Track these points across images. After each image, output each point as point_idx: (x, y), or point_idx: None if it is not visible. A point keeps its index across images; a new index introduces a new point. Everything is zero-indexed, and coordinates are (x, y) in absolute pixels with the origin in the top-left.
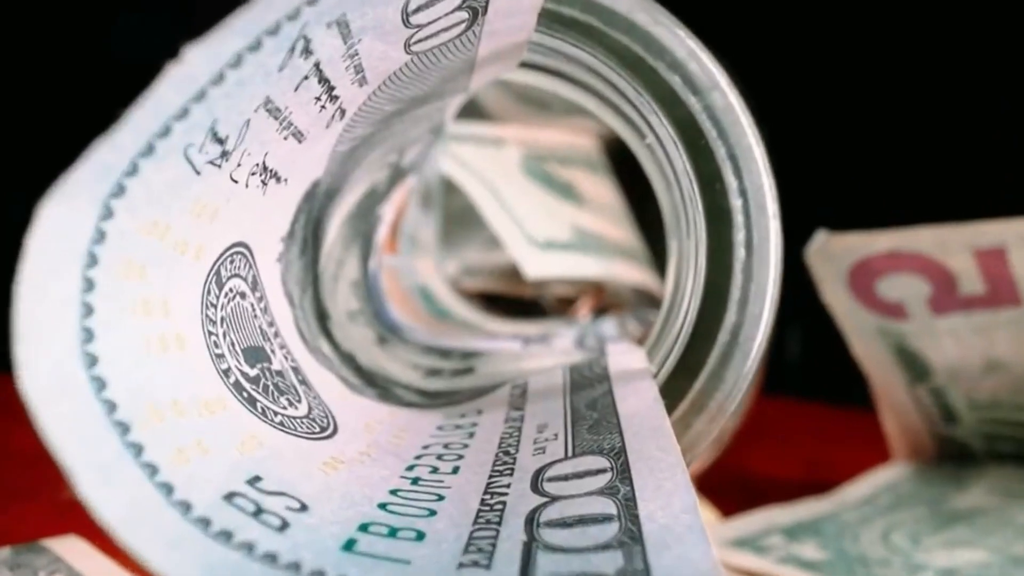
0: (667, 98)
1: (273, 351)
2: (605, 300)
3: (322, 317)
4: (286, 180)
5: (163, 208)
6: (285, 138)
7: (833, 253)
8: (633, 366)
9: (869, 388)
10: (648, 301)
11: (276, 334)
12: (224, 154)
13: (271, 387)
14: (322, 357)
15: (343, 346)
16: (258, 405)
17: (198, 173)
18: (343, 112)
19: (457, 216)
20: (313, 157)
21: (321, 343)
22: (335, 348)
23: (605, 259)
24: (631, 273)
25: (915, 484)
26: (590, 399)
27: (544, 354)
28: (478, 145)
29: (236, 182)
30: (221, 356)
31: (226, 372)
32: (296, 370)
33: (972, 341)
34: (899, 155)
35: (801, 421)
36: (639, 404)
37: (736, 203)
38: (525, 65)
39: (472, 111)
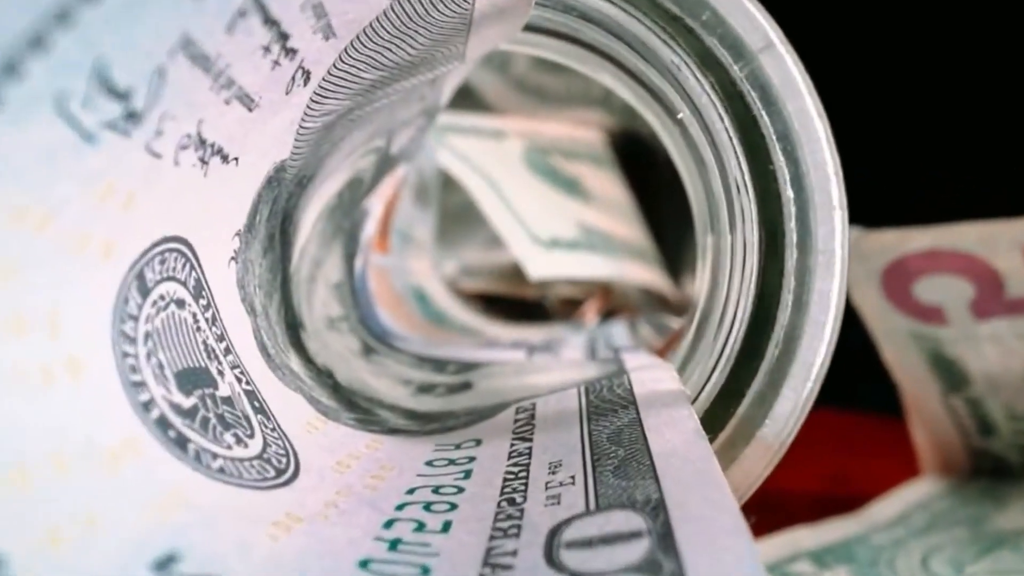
0: (710, 61)
1: (221, 372)
2: (613, 302)
3: (293, 326)
4: (236, 160)
5: (34, 187)
6: (227, 102)
7: (866, 252)
8: (663, 387)
9: (897, 395)
10: (657, 303)
11: (227, 350)
12: (132, 116)
13: (213, 421)
14: (289, 375)
15: (318, 360)
16: (190, 447)
17: (90, 139)
18: (307, 75)
19: (455, 213)
20: (272, 133)
21: (290, 358)
22: (308, 363)
23: (613, 258)
24: (641, 273)
25: (950, 501)
26: (614, 430)
27: (551, 366)
28: (477, 137)
29: (158, 157)
30: (140, 385)
31: (146, 405)
32: (252, 395)
33: (1017, 348)
34: (940, 144)
35: (822, 430)
36: (676, 439)
37: (792, 191)
38: (531, 29)
39: (470, 102)
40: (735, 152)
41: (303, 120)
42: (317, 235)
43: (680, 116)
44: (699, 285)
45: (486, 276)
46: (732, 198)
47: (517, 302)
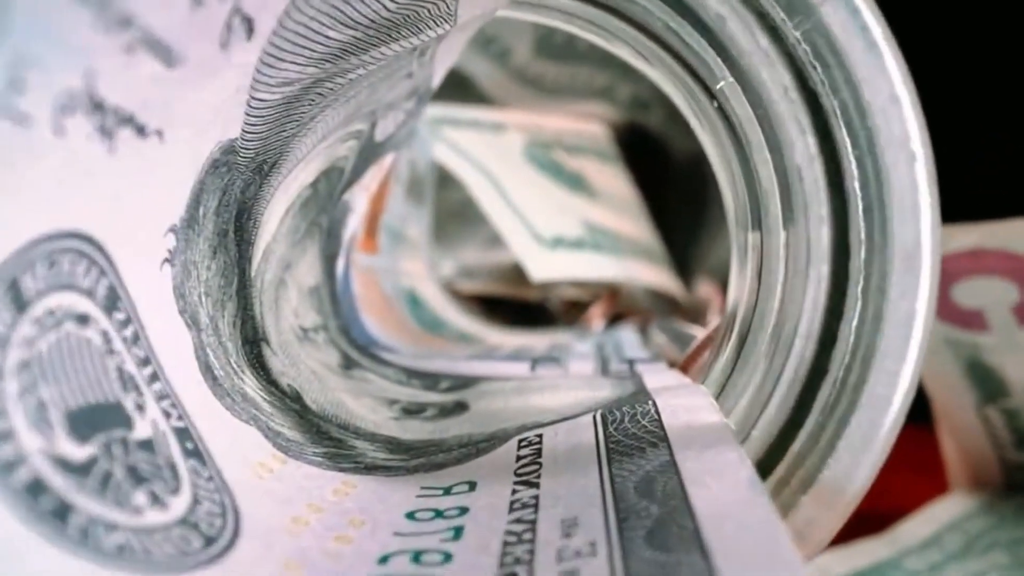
0: (766, 9)
1: (140, 407)
2: (620, 305)
3: (253, 341)
4: (160, 133)
5: None
6: (128, 49)
7: None
8: (700, 419)
9: (925, 404)
10: (667, 307)
11: (153, 377)
12: None
13: (118, 476)
14: (242, 403)
15: (283, 380)
16: (73, 520)
17: None
18: (249, 24)
19: (452, 210)
20: (211, 102)
21: (245, 380)
22: (269, 385)
23: (620, 258)
24: (650, 274)
25: (984, 521)
26: (642, 477)
27: (558, 383)
28: (476, 130)
29: (25, 120)
30: (6, 435)
31: (9, 467)
32: (184, 433)
33: None
34: (985, 135)
35: None
36: (726, 494)
37: (867, 175)
38: None
39: (467, 94)
40: (800, 127)
41: (254, 89)
42: (286, 233)
43: (720, 86)
44: (735, 292)
45: (485, 277)
46: (791, 186)
47: (518, 305)
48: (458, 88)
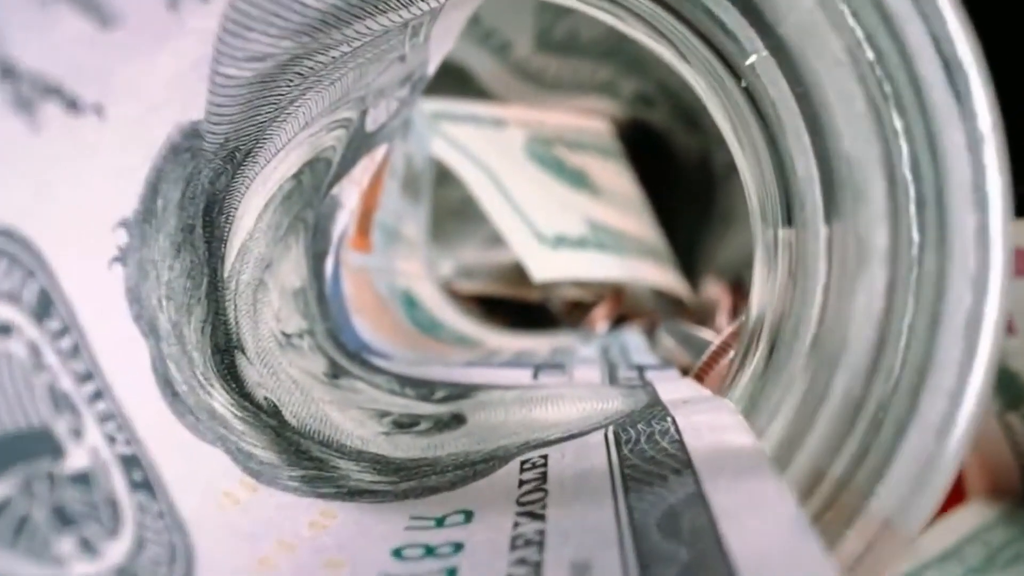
0: None
1: (77, 432)
2: (624, 307)
3: (226, 349)
4: (99, 110)
5: None
6: (43, 2)
7: None
8: (728, 440)
9: None
10: (673, 308)
11: (96, 395)
12: None
13: (38, 519)
14: (208, 421)
15: (259, 392)
16: None
17: None
18: None
19: (451, 208)
20: (164, 75)
21: (212, 394)
22: (243, 399)
23: (624, 258)
24: (655, 274)
25: (1005, 532)
26: (666, 511)
27: (563, 393)
28: (475, 125)
29: None
30: None
31: None
32: (132, 462)
33: None
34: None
35: None
36: (766, 533)
37: (921, 159)
38: None
39: (466, 88)
40: (852, 106)
41: (218, 62)
42: (266, 229)
43: (751, 61)
44: (761, 296)
45: (484, 277)
46: (836, 175)
47: (518, 306)
48: (457, 82)
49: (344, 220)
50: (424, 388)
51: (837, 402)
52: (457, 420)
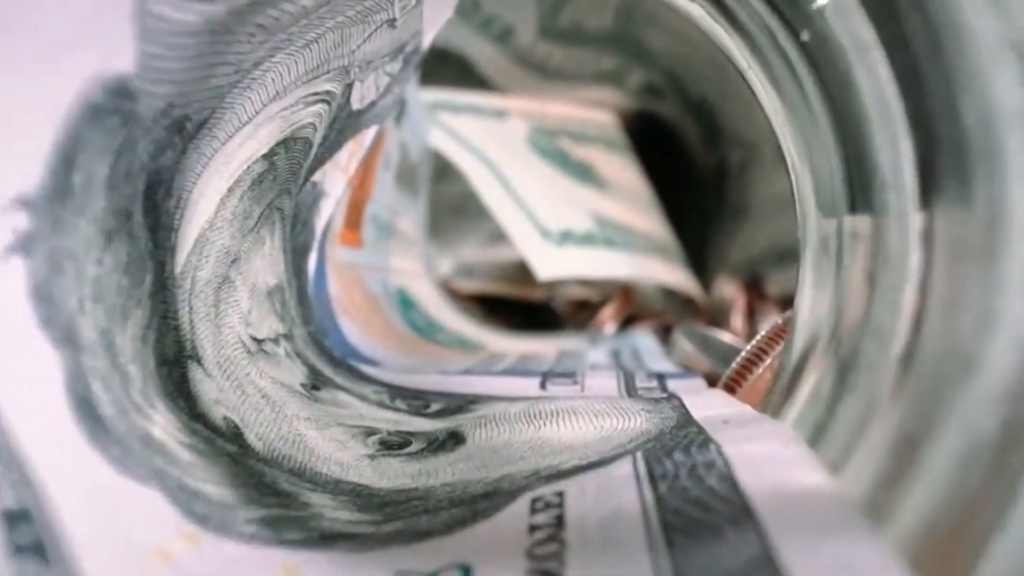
0: None
1: None
2: (633, 306)
3: (176, 360)
4: None
5: None
6: None
7: None
8: (796, 479)
9: None
10: (681, 307)
11: None
12: None
13: None
14: (140, 453)
15: (216, 411)
16: None
17: None
18: None
19: (451, 204)
20: (70, 7)
21: (152, 418)
22: (194, 420)
23: (634, 255)
24: (666, 272)
25: None
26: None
27: (576, 406)
28: (476, 116)
29: None
30: None
31: None
32: (16, 519)
33: None
34: None
35: None
36: None
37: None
38: None
39: (466, 77)
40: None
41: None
42: (232, 218)
43: (820, 3)
44: (812, 297)
45: (485, 276)
46: (944, 141)
47: (520, 306)
48: (456, 72)
49: (329, 211)
50: (418, 400)
51: (958, 438)
52: (454, 439)
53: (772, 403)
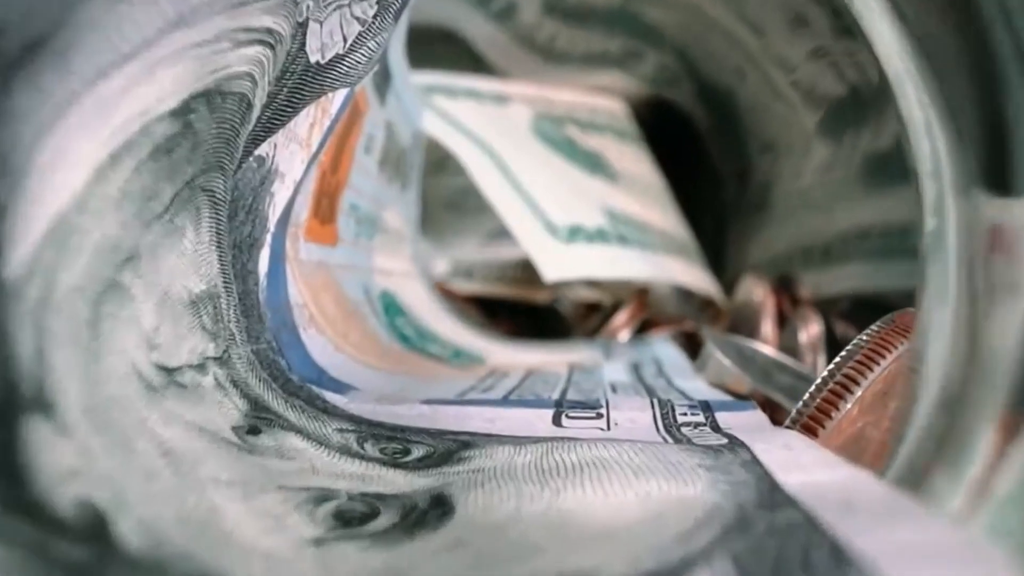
0: None
1: None
2: (650, 311)
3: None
4: None
5: None
6: None
7: None
8: None
9: None
10: (699, 311)
11: None
12: None
13: None
14: None
15: (65, 493)
16: None
17: None
18: None
19: (448, 199)
20: None
21: None
22: (17, 513)
23: (650, 253)
24: (685, 273)
25: None
26: None
27: (609, 459)
28: (475, 101)
29: None
30: None
31: None
32: None
33: None
34: None
35: None
36: None
37: None
38: None
39: (462, 61)
40: None
41: None
42: (119, 197)
43: None
44: (949, 317)
45: (485, 276)
46: None
47: (524, 309)
48: (451, 52)
49: (285, 196)
50: (395, 442)
51: None
52: (440, 508)
53: (896, 462)
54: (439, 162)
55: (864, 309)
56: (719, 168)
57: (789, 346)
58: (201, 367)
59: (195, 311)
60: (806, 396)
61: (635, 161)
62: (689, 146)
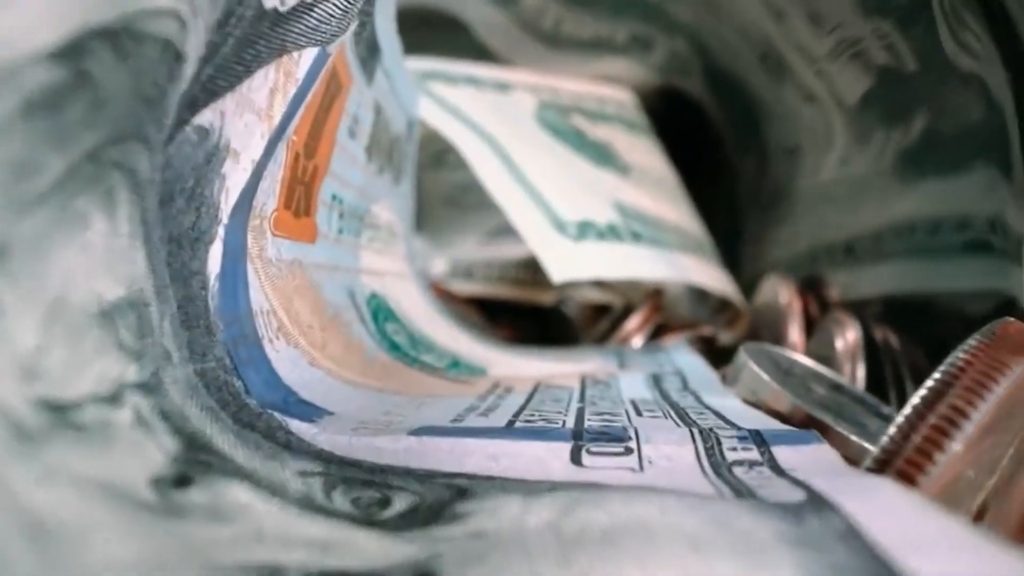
0: None
1: None
2: (664, 314)
3: None
4: None
5: None
6: None
7: None
8: None
9: None
10: (712, 314)
11: None
12: None
13: None
14: None
15: None
16: None
17: None
18: None
19: (446, 195)
20: None
21: None
22: None
23: (666, 252)
24: (703, 273)
25: None
26: None
27: (652, 523)
28: (475, 88)
29: None
30: None
31: None
32: None
33: None
34: None
35: None
36: None
37: None
38: None
39: (460, 46)
40: None
41: None
42: None
43: None
44: None
45: (486, 277)
46: None
47: (527, 310)
48: (448, 39)
49: (240, 180)
50: (373, 488)
51: None
52: None
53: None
54: (437, 155)
55: (902, 311)
56: (733, 161)
57: (819, 354)
58: (114, 399)
59: (108, 324)
60: (893, 431)
61: (646, 153)
62: (701, 138)
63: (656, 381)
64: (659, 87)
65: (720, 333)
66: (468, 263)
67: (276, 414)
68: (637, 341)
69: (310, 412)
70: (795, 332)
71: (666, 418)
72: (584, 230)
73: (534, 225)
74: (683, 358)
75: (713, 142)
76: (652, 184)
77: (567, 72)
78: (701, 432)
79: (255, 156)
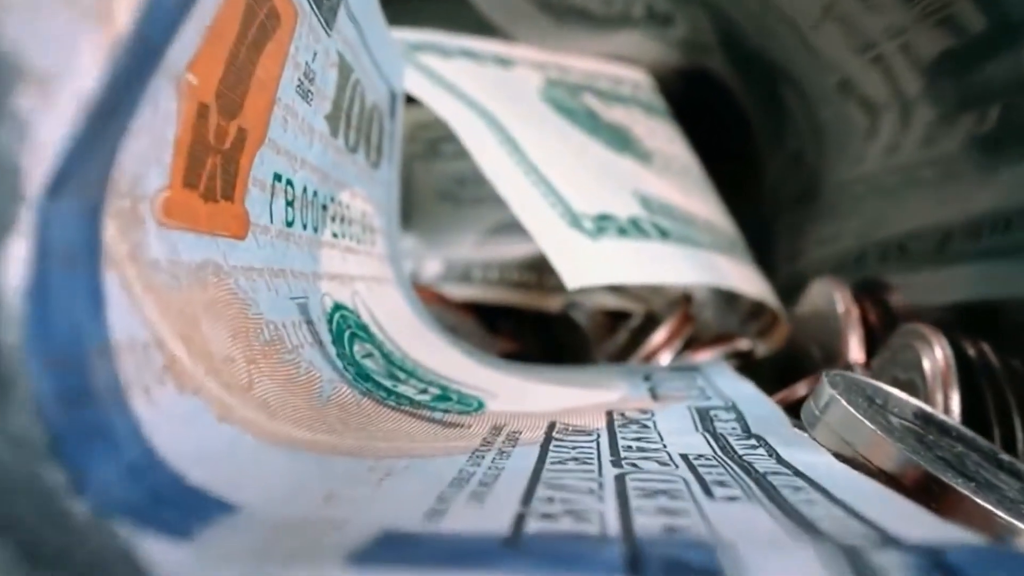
0: None
1: None
2: (694, 325)
3: None
4: None
5: None
6: None
7: None
8: None
9: None
10: (741, 324)
11: None
12: None
13: None
14: None
15: None
16: None
17: None
18: None
19: (443, 185)
20: None
21: None
22: None
23: (698, 251)
24: (740, 277)
25: None
26: None
27: None
28: (474, 61)
29: None
30: None
31: None
32: None
33: None
34: None
35: None
36: None
37: None
38: None
39: (459, 19)
40: None
41: None
42: None
43: None
44: None
45: (483, 280)
46: None
47: (531, 317)
48: (445, 11)
49: (61, 127)
50: None
51: None
52: None
53: None
54: (431, 144)
55: (981, 322)
56: (763, 150)
57: (888, 375)
58: None
59: None
60: None
61: (667, 140)
62: (725, 124)
63: (704, 420)
64: (678, 66)
65: (758, 346)
66: (465, 264)
67: (121, 527)
68: (665, 358)
69: (196, 511)
70: (856, 347)
71: (749, 500)
72: (603, 225)
73: (545, 220)
74: (728, 383)
75: (739, 128)
76: (677, 174)
77: (576, 49)
78: (846, 552)
79: (88, 85)
